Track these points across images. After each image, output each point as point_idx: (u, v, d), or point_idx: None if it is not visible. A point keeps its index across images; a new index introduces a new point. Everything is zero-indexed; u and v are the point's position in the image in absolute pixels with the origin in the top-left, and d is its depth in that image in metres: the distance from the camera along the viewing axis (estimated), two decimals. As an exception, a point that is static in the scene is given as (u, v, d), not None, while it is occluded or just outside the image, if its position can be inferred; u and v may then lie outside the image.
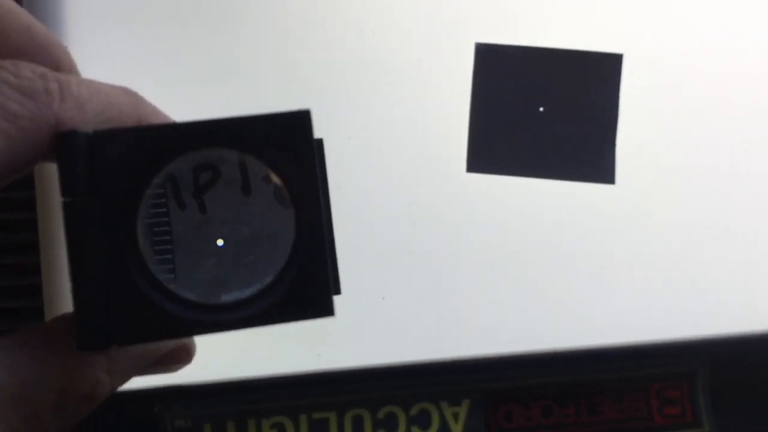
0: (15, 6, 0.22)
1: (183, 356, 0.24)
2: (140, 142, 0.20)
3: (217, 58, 0.39)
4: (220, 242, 0.21)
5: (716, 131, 0.41)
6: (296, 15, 0.39)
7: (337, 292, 0.21)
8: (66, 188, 0.19)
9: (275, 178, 0.21)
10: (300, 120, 0.20)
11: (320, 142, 0.21)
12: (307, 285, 0.20)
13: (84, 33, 0.38)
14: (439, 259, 0.40)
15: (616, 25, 0.40)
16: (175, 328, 0.20)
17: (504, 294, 0.40)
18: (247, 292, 0.21)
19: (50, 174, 0.37)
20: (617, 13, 0.40)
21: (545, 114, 0.40)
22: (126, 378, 0.23)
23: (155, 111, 0.23)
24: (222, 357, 0.36)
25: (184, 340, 0.24)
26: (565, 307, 0.40)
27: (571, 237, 0.40)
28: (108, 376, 0.21)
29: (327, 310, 0.20)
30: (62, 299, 0.37)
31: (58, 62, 0.23)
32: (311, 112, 0.20)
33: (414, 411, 0.38)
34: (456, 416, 0.38)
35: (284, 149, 0.20)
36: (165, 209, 0.21)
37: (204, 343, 0.23)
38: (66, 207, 0.19)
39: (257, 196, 0.21)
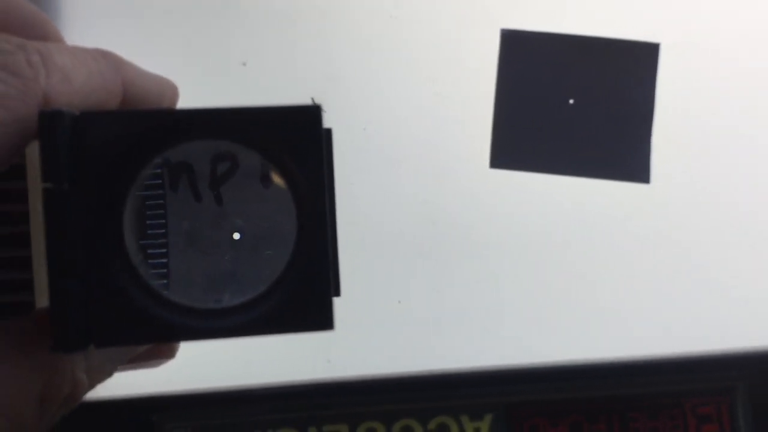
0: None
1: (165, 351, 0.24)
2: (130, 128, 0.19)
3: (229, 40, 0.38)
4: (218, 242, 0.20)
5: (763, 127, 0.40)
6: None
7: (337, 294, 0.21)
8: (47, 174, 0.18)
9: (277, 177, 0.20)
10: (309, 116, 0.19)
11: (329, 132, 0.21)
12: (305, 295, 0.20)
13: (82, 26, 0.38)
14: (460, 262, 0.39)
15: (652, 12, 0.40)
16: (159, 332, 0.19)
17: (529, 300, 0.39)
18: (241, 299, 0.20)
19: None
20: (654, -1, 0.40)
21: (575, 107, 0.39)
22: (105, 376, 0.22)
23: (139, 73, 0.22)
24: (223, 363, 0.35)
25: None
26: (595, 316, 0.39)
27: (601, 240, 0.39)
28: (86, 375, 0.21)
29: (326, 323, 0.20)
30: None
31: (44, 38, 0.21)
32: (322, 109, 0.19)
33: (432, 425, 0.37)
34: (477, 431, 0.37)
35: (290, 147, 0.19)
36: (159, 201, 0.20)
37: (203, 349, 0.22)
38: (47, 194, 0.18)
39: (259, 193, 0.20)
